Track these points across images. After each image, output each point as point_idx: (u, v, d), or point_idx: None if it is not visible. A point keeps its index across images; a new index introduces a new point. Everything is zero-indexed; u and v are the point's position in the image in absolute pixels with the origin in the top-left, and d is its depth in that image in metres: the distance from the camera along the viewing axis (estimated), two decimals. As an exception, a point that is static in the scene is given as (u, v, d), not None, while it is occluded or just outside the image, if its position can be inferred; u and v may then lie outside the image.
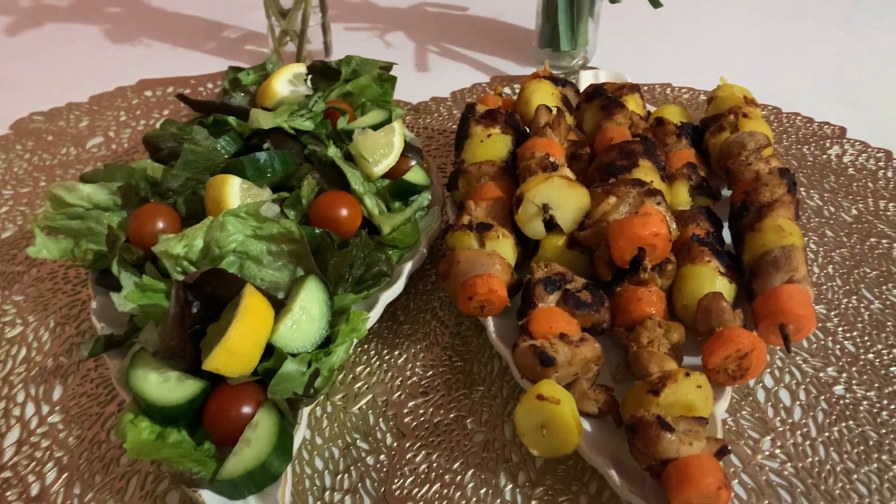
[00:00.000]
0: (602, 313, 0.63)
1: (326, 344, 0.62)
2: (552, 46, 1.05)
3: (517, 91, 1.02)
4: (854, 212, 0.84)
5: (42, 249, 0.69)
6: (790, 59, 1.10)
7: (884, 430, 0.63)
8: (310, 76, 0.87)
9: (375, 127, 0.79)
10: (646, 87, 1.03)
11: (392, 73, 0.90)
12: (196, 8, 1.20)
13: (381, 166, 0.75)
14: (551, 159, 0.70)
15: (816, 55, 1.11)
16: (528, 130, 0.79)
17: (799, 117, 0.98)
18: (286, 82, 0.83)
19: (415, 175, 0.76)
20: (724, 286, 0.65)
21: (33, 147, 0.93)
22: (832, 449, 0.62)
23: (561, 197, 0.67)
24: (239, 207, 0.65)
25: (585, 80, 0.94)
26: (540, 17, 1.04)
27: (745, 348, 0.59)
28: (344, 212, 0.70)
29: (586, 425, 0.59)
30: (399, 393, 0.66)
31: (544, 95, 0.80)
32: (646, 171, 0.71)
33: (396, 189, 0.75)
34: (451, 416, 0.64)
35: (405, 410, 0.65)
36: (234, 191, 0.67)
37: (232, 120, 0.80)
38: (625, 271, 0.66)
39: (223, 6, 1.20)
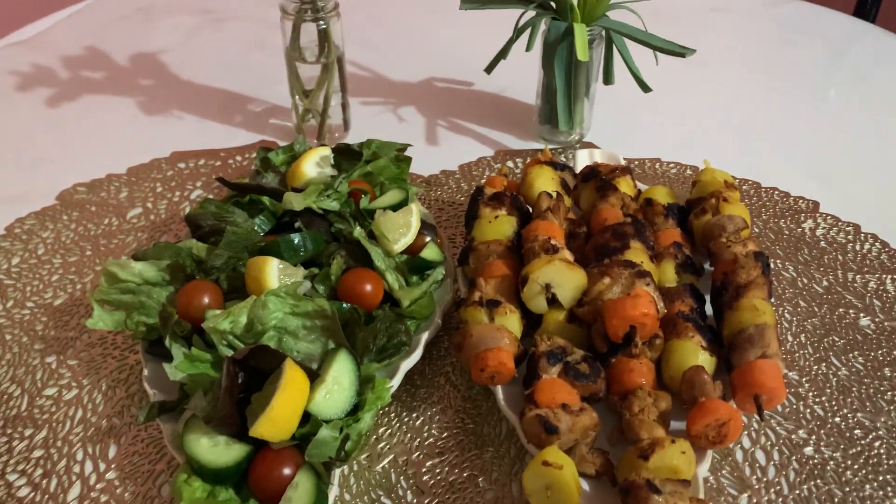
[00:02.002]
0: (599, 383, 0.72)
1: (355, 411, 0.70)
2: (551, 123, 1.14)
3: (519, 165, 1.12)
4: (825, 283, 0.93)
5: (99, 321, 0.78)
6: (769, 135, 1.20)
7: (847, 489, 0.72)
8: (333, 156, 0.97)
9: (395, 207, 0.88)
10: (636, 162, 1.12)
11: (406, 151, 1.00)
12: (223, 81, 1.30)
13: (401, 244, 0.84)
14: (552, 242, 0.79)
15: (793, 132, 1.21)
16: (530, 211, 0.89)
17: (776, 192, 1.07)
18: (314, 165, 0.92)
19: (430, 252, 0.85)
20: (705, 359, 0.74)
21: (78, 217, 1.02)
22: (802, 505, 0.70)
23: (561, 277, 0.76)
24: (279, 288, 0.74)
25: (582, 159, 1.03)
26: (540, 97, 1.14)
27: (724, 418, 0.67)
28: (368, 287, 0.79)
29: (585, 485, 0.68)
30: (417, 453, 0.74)
31: (545, 180, 0.89)
32: (636, 252, 0.80)
33: (414, 265, 0.84)
34: (465, 474, 0.73)
35: (423, 469, 0.73)
36: (272, 271, 0.76)
37: (265, 200, 0.89)
38: (618, 345, 0.74)
39: (248, 80, 1.30)
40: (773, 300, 0.82)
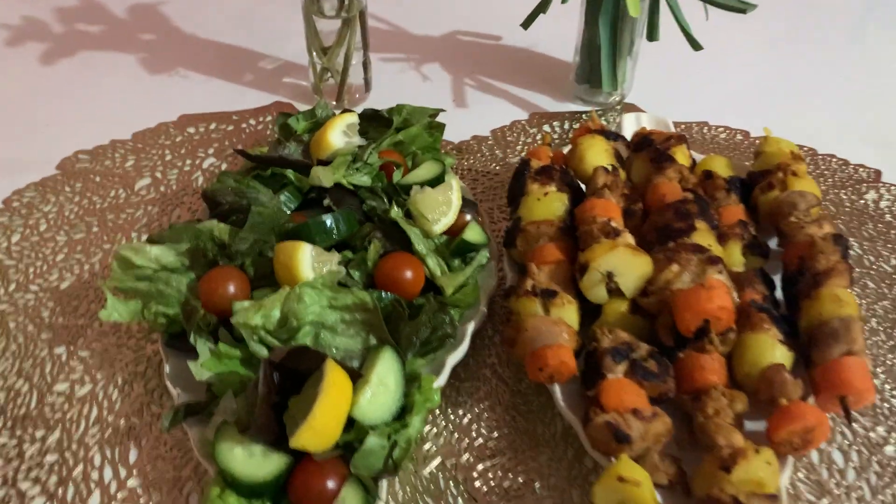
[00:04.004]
0: (669, 383, 0.66)
1: (402, 414, 0.63)
2: (590, 83, 1.06)
3: (556, 129, 1.04)
4: (893, 261, 0.86)
5: (113, 312, 0.70)
6: (820, 96, 1.12)
7: (934, 493, 0.66)
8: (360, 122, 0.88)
9: (431, 182, 0.81)
10: (682, 126, 1.04)
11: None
12: (230, 36, 1.20)
13: (441, 224, 0.77)
14: (613, 224, 0.72)
15: (847, 92, 1.13)
16: (582, 187, 0.81)
17: (834, 159, 0.99)
18: (340, 133, 0.84)
19: (473, 234, 0.77)
20: (783, 354, 0.67)
21: (82, 189, 0.93)
22: (886, 513, 0.65)
23: (625, 265, 0.69)
24: (315, 280, 0.67)
25: (628, 124, 0.95)
26: (578, 54, 1.05)
27: (811, 424, 0.61)
28: (409, 274, 0.72)
29: (657, 496, 0.62)
30: (467, 455, 0.68)
31: (598, 152, 0.81)
32: (703, 234, 0.73)
33: (456, 248, 0.77)
34: (520, 479, 0.67)
35: (474, 474, 0.67)
36: (306, 259, 0.69)
37: (290, 173, 0.81)
38: (686, 337, 0.68)
39: (258, 35, 1.20)
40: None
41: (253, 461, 0.60)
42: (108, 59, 1.15)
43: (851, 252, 0.87)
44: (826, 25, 1.28)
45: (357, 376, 0.63)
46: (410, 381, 0.65)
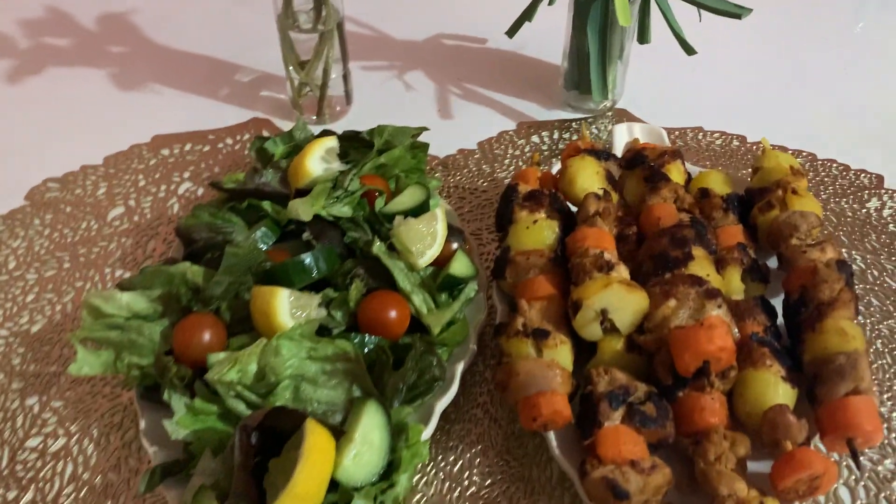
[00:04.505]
0: (668, 428, 0.63)
1: (389, 472, 0.60)
2: (579, 89, 1.02)
3: (545, 140, 1.00)
4: (898, 276, 0.83)
5: (84, 366, 0.67)
6: (820, 97, 1.08)
7: (946, 532, 0.64)
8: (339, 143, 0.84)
9: (415, 209, 0.77)
10: (677, 133, 1.00)
11: (417, 123, 0.88)
12: (204, 46, 1.15)
13: (426, 257, 0.73)
14: (606, 257, 0.68)
15: (847, 93, 1.09)
16: (572, 209, 0.77)
17: (835, 165, 0.96)
18: (318, 160, 0.80)
19: (460, 266, 0.74)
20: (786, 392, 0.64)
21: (52, 221, 0.90)
22: (896, 554, 0.62)
23: (620, 302, 0.65)
24: (293, 330, 0.63)
25: (619, 135, 0.91)
26: (566, 60, 1.01)
27: (818, 472, 0.58)
28: (393, 314, 0.69)
29: (657, 549, 0.59)
30: (459, 505, 0.66)
31: (589, 175, 0.77)
32: (700, 263, 0.69)
33: (443, 283, 0.73)
34: (515, 531, 0.64)
35: (467, 527, 0.64)
36: (283, 306, 0.65)
37: (267, 205, 0.77)
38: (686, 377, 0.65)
39: (232, 44, 1.15)
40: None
41: (233, 530, 0.56)
42: (77, 74, 1.11)
43: (854, 267, 0.84)
44: (824, 25, 1.23)
45: (340, 433, 0.60)
46: (397, 433, 0.62)
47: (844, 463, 0.68)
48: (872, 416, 0.61)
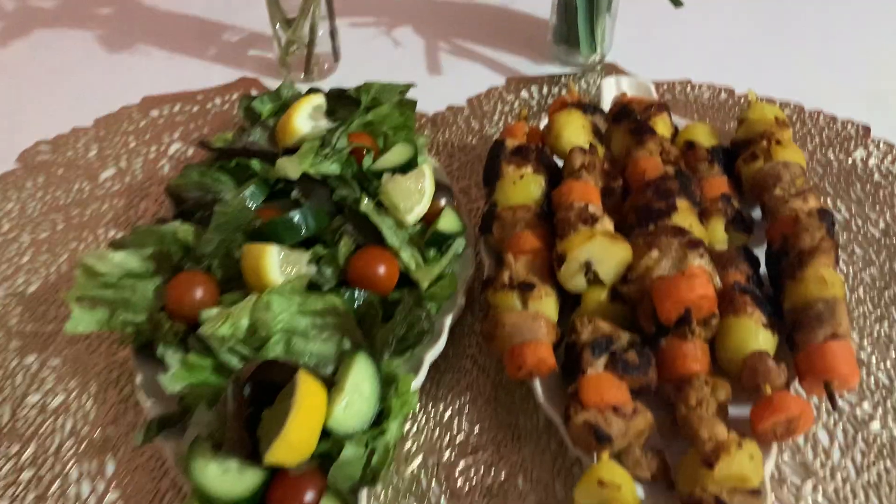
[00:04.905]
0: (650, 375, 0.64)
1: (379, 420, 0.62)
2: (568, 44, 1.02)
3: (535, 95, 1.00)
4: (882, 224, 0.84)
5: (79, 324, 0.68)
6: (808, 47, 1.08)
7: (920, 470, 0.66)
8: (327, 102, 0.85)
9: (403, 166, 0.78)
10: (665, 86, 1.00)
11: (405, 79, 0.88)
12: (190, 5, 1.14)
13: (414, 214, 0.74)
14: (590, 210, 0.69)
15: (835, 41, 1.08)
16: (559, 164, 0.78)
17: (822, 115, 0.96)
18: (306, 118, 0.81)
19: (447, 222, 0.75)
20: (766, 339, 0.65)
21: (44, 183, 0.90)
22: (872, 492, 0.64)
23: (603, 253, 0.67)
24: (283, 286, 0.64)
25: (608, 89, 0.92)
26: (555, 14, 1.00)
27: (794, 414, 0.60)
28: (382, 270, 0.70)
29: (639, 490, 0.61)
30: (448, 452, 0.67)
31: (576, 129, 0.78)
32: (684, 214, 0.70)
33: (431, 238, 0.74)
34: (502, 475, 0.66)
35: (456, 472, 0.66)
36: (273, 262, 0.66)
37: (255, 164, 0.78)
38: (669, 326, 0.66)
39: (219, 4, 1.14)
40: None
41: (228, 477, 0.58)
42: (65, 36, 1.10)
43: (839, 216, 0.85)
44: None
45: (331, 384, 0.62)
46: (387, 383, 0.64)
47: (825, 407, 0.70)
48: (849, 361, 0.63)
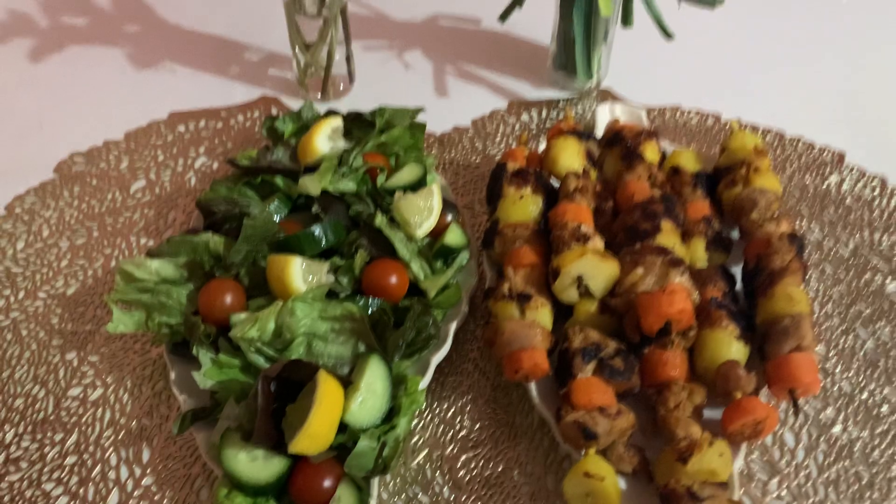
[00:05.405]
0: (633, 380, 0.72)
1: (390, 416, 0.69)
2: (566, 70, 1.09)
3: (535, 118, 1.07)
4: (851, 245, 0.91)
5: (119, 325, 0.76)
6: (792, 77, 1.15)
7: (874, 470, 0.73)
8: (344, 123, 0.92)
9: (414, 184, 0.85)
10: (656, 112, 1.08)
11: (415, 100, 0.96)
12: (214, 26, 1.22)
13: (423, 228, 0.81)
14: (583, 229, 0.77)
15: (818, 73, 1.16)
16: (555, 185, 0.85)
17: (801, 142, 1.04)
18: (325, 139, 0.88)
19: (453, 237, 0.82)
20: (739, 349, 0.73)
21: (80, 193, 0.97)
22: (831, 489, 0.72)
23: (594, 269, 0.74)
24: (306, 293, 0.72)
25: (602, 115, 0.99)
26: (555, 42, 1.08)
27: (761, 417, 0.67)
28: (394, 279, 0.77)
29: (622, 482, 0.68)
30: (451, 447, 0.75)
31: (571, 154, 0.85)
32: (667, 234, 0.78)
33: (438, 251, 0.81)
34: (500, 468, 0.73)
35: (458, 465, 0.74)
36: (296, 272, 0.74)
37: (279, 180, 0.85)
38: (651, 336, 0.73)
39: (241, 23, 1.22)
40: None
41: (256, 464, 0.66)
42: (96, 53, 1.18)
43: (812, 237, 0.92)
44: (796, 10, 1.29)
45: (347, 383, 0.69)
46: (397, 383, 0.71)
47: (791, 411, 0.77)
48: (811, 370, 0.70)
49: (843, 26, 1.25)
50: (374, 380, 0.69)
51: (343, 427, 0.67)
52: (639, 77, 1.13)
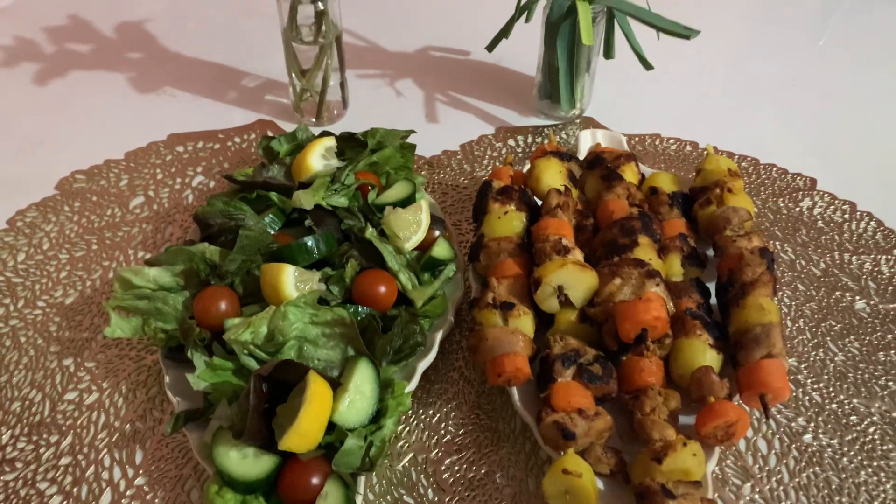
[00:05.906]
0: (611, 385, 0.75)
1: (377, 417, 0.72)
2: (551, 99, 1.14)
3: (520, 143, 1.12)
4: (822, 265, 0.95)
5: (116, 329, 0.78)
6: (768, 107, 1.20)
7: (844, 475, 0.76)
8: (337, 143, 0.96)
9: (403, 201, 0.89)
10: (637, 139, 1.12)
11: (406, 126, 1.00)
12: (213, 53, 1.27)
13: (412, 242, 0.85)
14: (564, 242, 0.80)
15: (793, 103, 1.21)
16: (538, 203, 0.89)
17: (775, 168, 1.08)
18: (319, 157, 0.92)
19: (441, 250, 0.86)
20: (712, 357, 0.76)
21: (80, 208, 1.01)
22: (801, 493, 0.75)
23: (573, 279, 0.77)
24: (298, 299, 0.75)
25: (584, 140, 1.04)
26: (540, 72, 1.13)
27: (732, 420, 0.70)
28: (382, 289, 0.80)
29: (600, 483, 0.71)
30: (436, 451, 0.77)
31: (553, 174, 0.89)
32: (644, 249, 0.82)
33: (425, 263, 0.85)
34: (483, 471, 0.76)
35: (442, 467, 0.76)
36: (289, 279, 0.77)
37: (273, 195, 0.89)
38: (629, 343, 0.77)
39: (238, 51, 1.27)
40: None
41: (246, 462, 0.68)
42: (98, 77, 1.22)
43: (785, 257, 0.96)
44: (771, 42, 1.36)
45: (336, 385, 0.72)
46: (384, 387, 0.74)
47: (764, 420, 0.80)
48: (781, 377, 0.73)
49: (816, 61, 1.31)
50: (363, 382, 0.72)
51: (332, 427, 0.70)
52: (620, 106, 1.18)
